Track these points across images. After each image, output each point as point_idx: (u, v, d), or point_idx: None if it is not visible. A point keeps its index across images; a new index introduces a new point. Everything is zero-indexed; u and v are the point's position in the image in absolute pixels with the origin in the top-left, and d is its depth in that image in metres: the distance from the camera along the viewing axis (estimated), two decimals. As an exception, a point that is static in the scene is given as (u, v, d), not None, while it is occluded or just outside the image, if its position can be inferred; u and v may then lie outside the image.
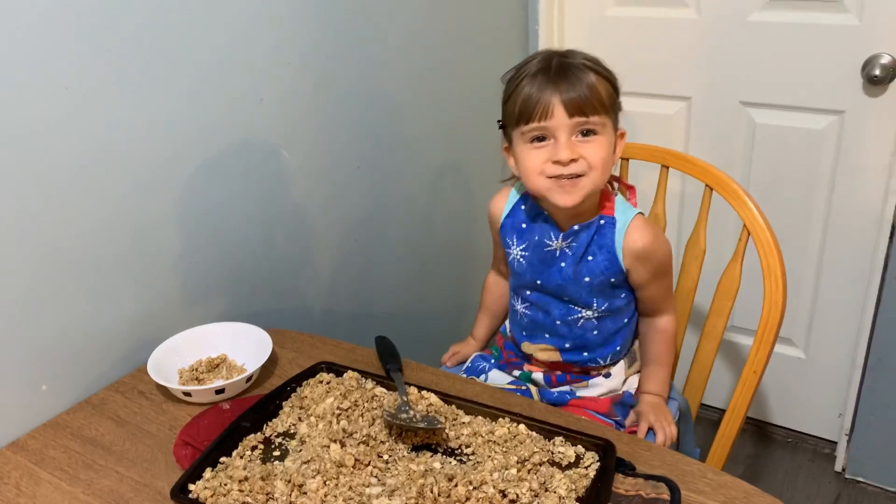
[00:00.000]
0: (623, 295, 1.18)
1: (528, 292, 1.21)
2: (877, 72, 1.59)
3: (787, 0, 1.67)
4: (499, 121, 1.13)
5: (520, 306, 1.23)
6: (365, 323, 1.62)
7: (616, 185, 1.21)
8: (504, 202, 1.23)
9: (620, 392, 1.22)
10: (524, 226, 1.19)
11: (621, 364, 1.22)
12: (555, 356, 1.21)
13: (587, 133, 1.05)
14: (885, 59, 1.59)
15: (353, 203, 1.55)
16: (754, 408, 2.06)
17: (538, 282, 1.18)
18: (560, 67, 1.05)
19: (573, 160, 1.03)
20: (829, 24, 1.64)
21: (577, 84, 1.03)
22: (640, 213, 1.15)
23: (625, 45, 1.88)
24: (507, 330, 1.31)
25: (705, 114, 1.86)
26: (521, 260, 1.19)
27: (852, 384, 1.84)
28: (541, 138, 1.06)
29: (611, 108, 1.07)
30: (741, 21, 1.73)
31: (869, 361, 1.80)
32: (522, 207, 1.20)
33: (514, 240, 1.20)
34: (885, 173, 1.67)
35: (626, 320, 1.20)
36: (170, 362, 1.12)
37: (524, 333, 1.24)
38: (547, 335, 1.20)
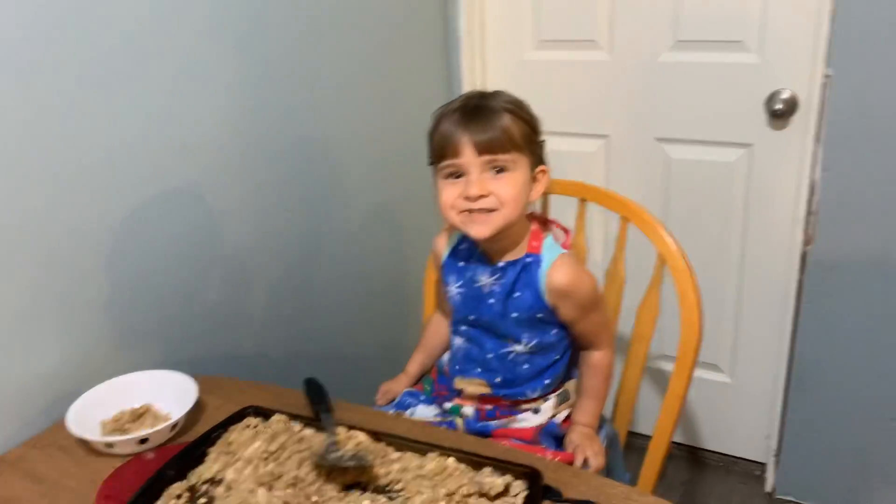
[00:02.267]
0: (554, 331, 1.20)
1: (463, 327, 1.23)
2: (778, 106, 1.69)
3: (692, 41, 1.76)
4: (430, 157, 1.16)
5: (457, 341, 1.25)
6: (299, 365, 1.61)
7: (551, 226, 1.24)
8: (445, 241, 1.27)
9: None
10: (462, 264, 1.22)
11: (551, 400, 1.24)
12: (485, 389, 1.22)
13: (500, 170, 1.09)
14: (786, 94, 1.69)
15: (285, 245, 1.55)
16: (687, 434, 2.10)
17: (472, 317, 1.21)
18: (474, 108, 1.10)
19: (483, 196, 1.07)
20: (732, 62, 1.74)
21: (488, 124, 1.07)
22: (568, 252, 1.19)
23: (545, 87, 1.95)
24: (444, 364, 1.33)
25: (623, 150, 1.93)
26: (458, 296, 1.22)
27: (777, 406, 1.91)
28: (456, 174, 1.10)
29: (525, 146, 1.11)
30: (651, 62, 1.82)
31: (791, 383, 1.87)
32: (461, 246, 1.24)
33: (453, 277, 1.23)
34: (794, 202, 1.76)
35: (557, 356, 1.23)
36: (91, 414, 1.09)
37: (458, 367, 1.25)
38: (479, 369, 1.22)
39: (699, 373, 1.98)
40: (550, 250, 1.17)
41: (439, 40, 1.93)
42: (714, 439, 2.08)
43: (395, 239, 1.91)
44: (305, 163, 1.57)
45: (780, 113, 1.70)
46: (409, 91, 1.86)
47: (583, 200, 1.39)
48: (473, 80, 1.99)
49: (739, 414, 2.01)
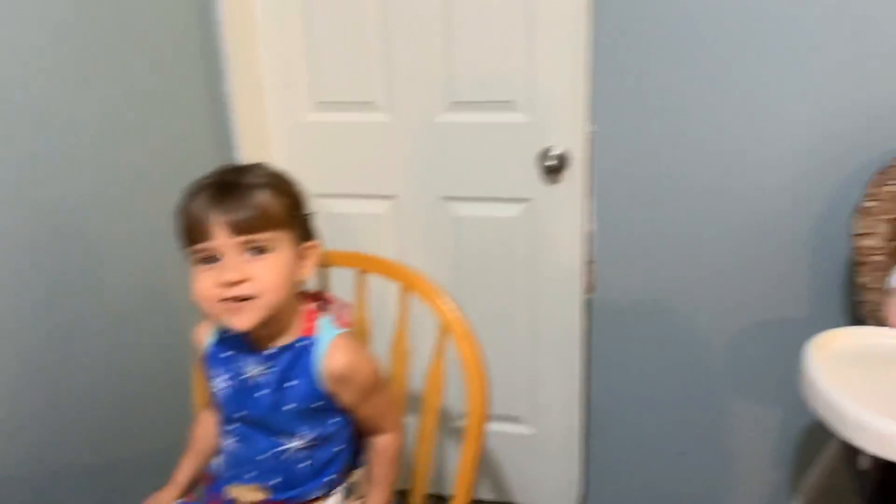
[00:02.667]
0: (334, 420, 1.12)
1: (233, 426, 1.12)
2: (551, 162, 1.74)
3: (466, 102, 1.78)
4: (180, 241, 1.04)
5: (227, 442, 1.13)
6: (52, 485, 1.39)
7: (327, 304, 1.16)
8: (208, 331, 1.14)
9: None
10: (228, 354, 1.11)
11: (338, 495, 1.15)
12: (262, 495, 1.11)
13: (259, 251, 1.00)
14: (557, 151, 1.75)
15: (30, 351, 1.34)
16: (495, 489, 2.09)
17: (241, 413, 1.10)
18: (227, 185, 1.00)
19: (240, 281, 0.98)
20: (505, 122, 1.78)
21: (242, 202, 0.98)
22: (346, 332, 1.11)
23: (328, 149, 1.89)
24: (215, 469, 1.19)
25: (412, 210, 1.91)
26: (224, 391, 1.10)
27: (578, 453, 1.94)
28: (210, 259, 0.99)
29: (287, 223, 1.03)
30: (429, 122, 1.82)
31: (589, 429, 1.91)
32: (226, 335, 1.12)
33: (219, 370, 1.11)
34: (574, 252, 1.81)
35: (340, 447, 1.14)
36: None
37: (230, 473, 1.13)
38: (254, 472, 1.11)
39: (501, 427, 1.98)
40: (326, 331, 1.10)
41: (205, 101, 1.80)
42: (522, 491, 2.08)
43: (168, 326, 1.72)
44: (50, 236, 1.37)
45: (553, 168, 1.75)
46: (183, 160, 1.72)
47: (362, 272, 1.33)
48: (253, 144, 1.89)
49: (544, 464, 2.02)
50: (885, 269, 1.40)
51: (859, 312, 1.44)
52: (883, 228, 1.41)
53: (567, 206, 1.80)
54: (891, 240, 1.41)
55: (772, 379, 1.75)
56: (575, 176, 1.77)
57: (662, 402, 1.85)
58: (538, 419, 2.00)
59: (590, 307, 1.83)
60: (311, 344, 1.08)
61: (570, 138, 1.75)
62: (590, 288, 1.82)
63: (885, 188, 1.42)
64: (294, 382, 1.08)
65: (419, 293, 1.25)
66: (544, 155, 1.76)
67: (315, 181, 1.88)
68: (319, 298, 1.16)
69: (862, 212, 1.43)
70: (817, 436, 1.75)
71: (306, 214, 1.10)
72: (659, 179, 1.69)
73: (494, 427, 2.01)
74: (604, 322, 1.84)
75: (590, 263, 1.80)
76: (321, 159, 1.88)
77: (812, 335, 1.25)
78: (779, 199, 1.63)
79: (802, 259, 1.65)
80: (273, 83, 1.90)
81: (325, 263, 1.34)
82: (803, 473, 1.80)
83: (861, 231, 1.42)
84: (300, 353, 1.08)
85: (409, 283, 1.27)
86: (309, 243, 1.09)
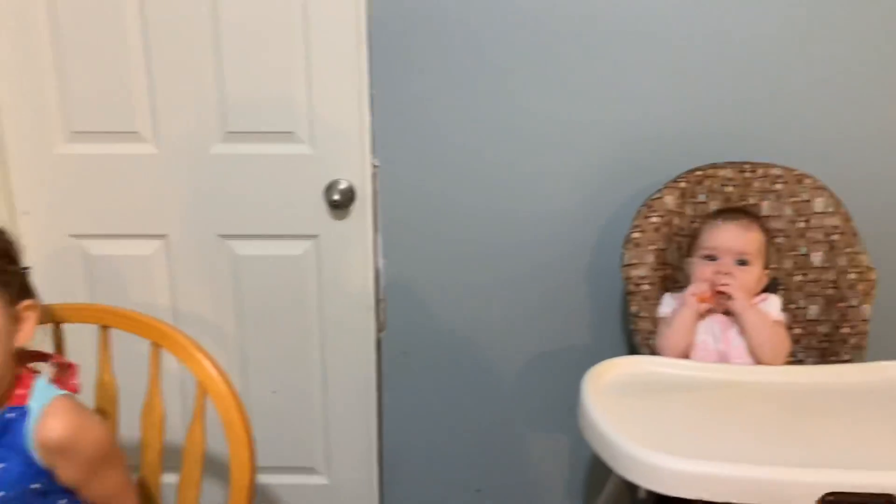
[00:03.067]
0: (64, 501, 0.95)
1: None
2: (336, 197, 1.65)
3: (242, 133, 1.66)
4: None
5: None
6: None
7: (45, 364, 0.99)
8: None
9: None
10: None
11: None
12: None
13: None
14: (343, 185, 1.67)
15: None
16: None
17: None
18: None
19: None
20: (287, 154, 1.67)
21: None
22: (66, 395, 0.95)
23: (85, 184, 1.68)
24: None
25: (185, 250, 1.74)
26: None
27: (375, 498, 1.85)
28: None
29: None
30: (203, 154, 1.67)
31: (384, 472, 1.83)
32: None
33: None
34: (363, 290, 1.73)
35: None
36: None
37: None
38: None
39: (295, 479, 1.86)
40: (42, 396, 0.93)
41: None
42: (322, 545, 1.95)
43: None
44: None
45: (339, 203, 1.66)
46: None
47: (104, 327, 1.16)
48: (-7, 179, 1.64)
49: (342, 513, 1.91)
50: (654, 299, 1.44)
51: (634, 341, 1.47)
52: (650, 259, 1.45)
53: (355, 242, 1.72)
54: (657, 269, 1.46)
55: (561, 409, 1.76)
56: (362, 211, 1.70)
57: (457, 441, 1.81)
58: (333, 467, 1.89)
59: (380, 347, 1.76)
60: (23, 414, 0.91)
61: (356, 171, 1.68)
62: (381, 327, 1.75)
63: (650, 220, 1.46)
64: (4, 463, 0.90)
65: (172, 349, 1.11)
66: (330, 189, 1.67)
67: (70, 220, 1.68)
68: (37, 357, 0.98)
69: (630, 242, 1.46)
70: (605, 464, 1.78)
71: (20, 270, 0.93)
72: (442, 213, 1.66)
73: (287, 479, 1.88)
74: (395, 362, 1.78)
75: (379, 302, 1.73)
76: (77, 195, 1.67)
77: (594, 364, 1.25)
78: (562, 231, 1.66)
79: (584, 289, 1.68)
80: (17, 112, 1.66)
81: (58, 320, 1.16)
82: (594, 503, 1.83)
83: (630, 261, 1.46)
84: (8, 428, 0.90)
85: (160, 338, 1.12)
86: (25, 303, 0.92)
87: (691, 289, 1.34)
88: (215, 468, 1.64)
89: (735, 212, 1.43)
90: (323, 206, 1.70)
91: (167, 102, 1.65)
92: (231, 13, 1.58)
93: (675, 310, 1.36)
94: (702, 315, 1.36)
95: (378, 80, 1.59)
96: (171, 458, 1.19)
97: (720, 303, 1.34)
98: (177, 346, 1.11)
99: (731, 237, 1.36)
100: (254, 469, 1.08)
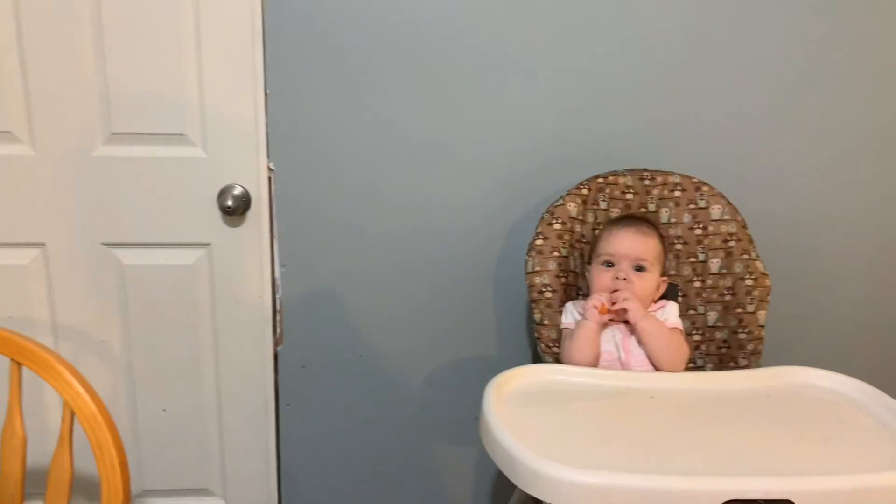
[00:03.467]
0: None
1: None
2: (230, 202, 1.57)
3: (128, 134, 1.56)
4: None
5: None
6: None
7: None
8: None
9: None
10: None
11: None
12: None
13: None
14: (237, 190, 1.58)
15: None
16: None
17: None
18: None
19: None
20: (178, 157, 1.58)
21: None
22: None
23: (-50, 189, 1.54)
24: None
25: (65, 260, 1.62)
26: None
27: (273, 520, 1.76)
28: None
29: None
30: (85, 157, 1.56)
31: (283, 497, 1.74)
32: None
33: None
34: (260, 302, 1.65)
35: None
36: None
37: None
38: None
39: (189, 501, 1.76)
40: None
41: None
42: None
43: None
44: None
45: (233, 209, 1.58)
46: None
47: (-44, 343, 1.04)
48: None
49: (238, 538, 1.81)
50: (557, 306, 1.42)
51: (538, 349, 1.45)
52: (553, 266, 1.43)
53: (251, 251, 1.64)
54: (559, 277, 1.44)
55: (467, 421, 1.72)
56: (257, 218, 1.62)
57: (360, 457, 1.75)
58: (229, 490, 1.79)
59: (277, 361, 1.68)
60: None
61: (251, 177, 1.60)
62: (278, 340, 1.67)
63: (553, 227, 1.45)
64: None
65: (33, 366, 1.01)
66: (223, 194, 1.59)
67: (-70, 228, 1.54)
68: None
69: (533, 250, 1.44)
70: (512, 473, 1.75)
71: None
72: (341, 220, 1.60)
73: (181, 502, 1.77)
74: (293, 376, 1.70)
75: (276, 313, 1.65)
76: (-60, 200, 1.53)
77: (499, 373, 1.22)
78: (466, 239, 1.62)
79: (489, 298, 1.65)
80: None
81: None
82: (502, 513, 1.80)
83: (533, 269, 1.43)
84: None
85: (17, 354, 1.01)
86: None
87: (592, 300, 1.33)
88: (91, 494, 1.53)
89: (633, 219, 1.43)
90: (216, 213, 1.61)
91: (43, 100, 1.53)
92: (115, 3, 1.48)
93: (577, 322, 1.35)
94: (605, 325, 1.35)
95: (274, 80, 1.52)
96: (36, 483, 1.08)
97: (620, 314, 1.33)
98: (38, 362, 1.01)
99: (628, 243, 1.36)
100: (128, 494, 0.98)
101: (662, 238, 1.43)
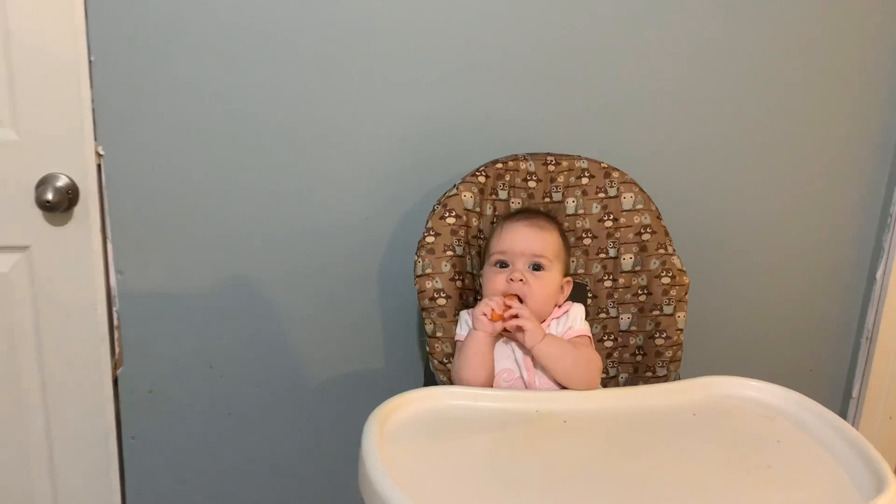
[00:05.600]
0: None
1: None
2: (50, 196, 1.27)
3: (-89, 111, 1.22)
4: None
5: None
6: None
7: None
8: None
9: None
10: None
11: None
12: None
13: None
14: (61, 181, 1.29)
15: None
16: None
17: None
18: None
19: None
20: (-19, 140, 1.26)
21: None
22: None
23: None
24: None
25: None
26: None
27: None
28: None
29: None
30: None
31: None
32: None
33: None
34: (94, 316, 1.36)
35: None
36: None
37: None
38: None
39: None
40: None
41: None
42: None
43: None
44: None
45: (56, 204, 1.28)
46: None
47: None
48: None
49: None
50: (451, 316, 1.21)
51: (430, 366, 1.23)
52: (446, 267, 1.22)
53: (80, 254, 1.35)
54: (454, 280, 1.23)
55: (346, 450, 1.49)
56: (86, 214, 1.33)
57: (222, 498, 1.49)
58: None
59: (118, 385, 1.39)
60: None
61: (76, 163, 1.31)
62: (118, 362, 1.38)
63: (446, 220, 1.23)
64: None
65: None
66: (43, 186, 1.29)
67: None
68: None
69: (423, 249, 1.23)
70: None
71: None
72: (190, 216, 1.34)
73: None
74: (138, 403, 1.43)
75: (114, 330, 1.37)
76: None
77: (390, 392, 1.03)
78: (344, 237, 1.40)
79: (375, 304, 1.43)
80: None
81: None
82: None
83: (423, 271, 1.22)
84: None
85: None
86: None
87: (480, 307, 1.12)
88: None
89: (528, 212, 1.25)
90: (34, 209, 1.31)
91: None
92: None
93: (467, 333, 1.14)
94: (501, 335, 1.15)
95: (99, 44, 1.23)
96: None
97: (515, 326, 1.12)
98: None
99: (522, 239, 1.16)
100: None
101: (564, 232, 1.25)
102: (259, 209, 1.35)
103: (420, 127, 1.36)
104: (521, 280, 1.14)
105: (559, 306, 1.20)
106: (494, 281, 1.15)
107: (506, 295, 1.12)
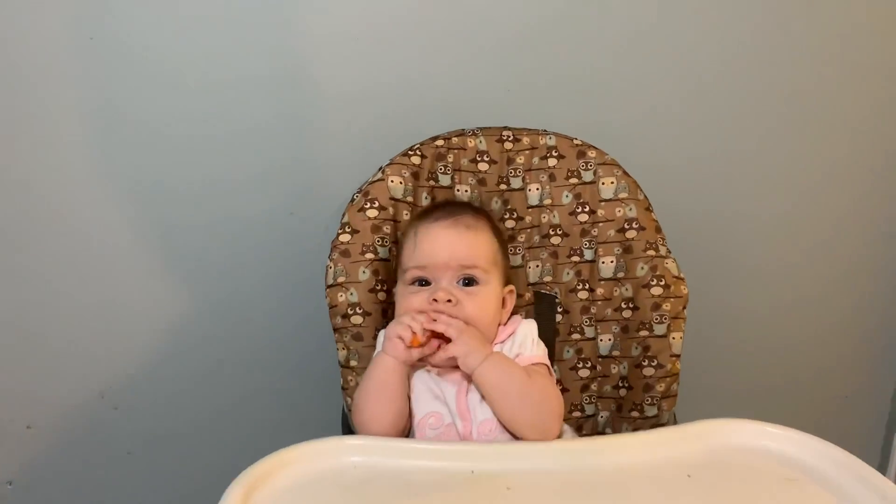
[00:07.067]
0: None
1: None
2: None
3: None
4: None
5: None
6: None
7: None
8: None
9: None
10: None
11: None
12: None
13: None
14: None
15: None
16: None
17: None
18: None
19: None
20: None
21: None
22: None
23: None
24: None
25: None
26: None
27: None
28: None
29: None
30: None
31: None
32: None
33: None
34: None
35: None
36: None
37: None
38: None
39: None
40: None
41: None
42: None
43: None
44: None
45: None
46: None
47: None
48: None
49: None
50: (369, 339, 0.92)
51: (344, 405, 0.94)
52: (364, 275, 0.93)
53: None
54: (375, 290, 0.94)
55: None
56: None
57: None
58: None
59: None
60: None
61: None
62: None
63: (366, 214, 0.95)
64: None
65: None
66: None
67: None
68: None
69: (336, 251, 0.94)
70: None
71: None
72: (55, 208, 1.07)
73: None
74: (15, 444, 1.19)
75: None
76: None
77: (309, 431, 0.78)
78: (245, 235, 1.13)
79: (285, 320, 1.15)
80: None
81: None
82: None
83: (335, 280, 0.93)
84: None
85: None
86: None
87: (394, 326, 0.83)
88: None
89: (447, 207, 0.94)
90: None
91: None
92: None
93: (373, 358, 0.86)
94: (425, 364, 0.86)
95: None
96: None
97: (443, 350, 0.83)
98: None
99: (446, 245, 0.87)
100: None
101: (496, 226, 0.96)
102: (141, 200, 1.09)
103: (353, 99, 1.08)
104: (450, 300, 0.84)
105: (503, 324, 0.91)
106: (411, 302, 0.86)
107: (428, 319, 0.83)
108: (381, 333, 0.90)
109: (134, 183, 1.09)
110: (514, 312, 0.96)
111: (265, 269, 1.15)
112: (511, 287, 0.93)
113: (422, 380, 0.86)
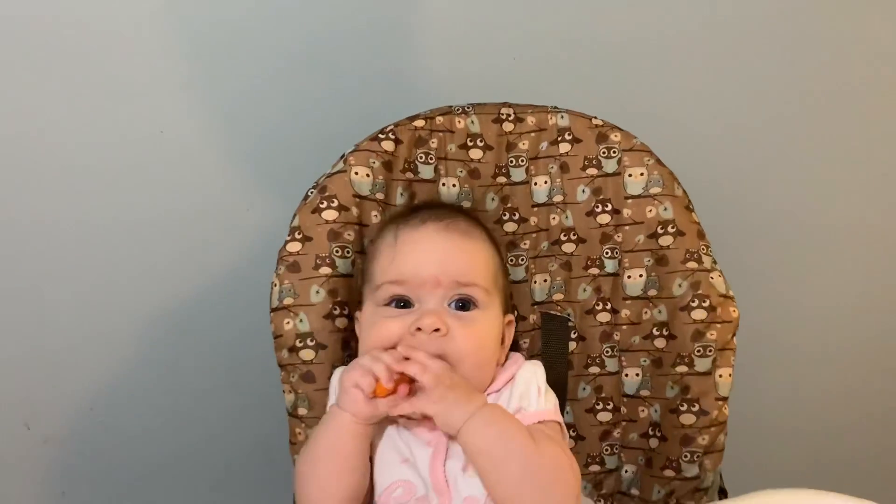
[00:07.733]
0: None
1: None
2: None
3: None
4: None
5: None
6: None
7: None
8: None
9: None
10: None
11: None
12: None
13: None
14: None
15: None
16: None
17: None
18: None
19: None
20: None
21: None
22: None
23: None
24: None
25: None
26: None
27: None
28: None
29: None
30: None
31: None
32: None
33: None
34: None
35: None
36: None
37: None
38: None
39: None
40: None
41: None
42: None
43: None
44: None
45: None
46: None
47: None
48: None
49: None
50: (323, 381, 0.72)
51: (293, 461, 0.74)
52: (318, 296, 0.72)
53: None
54: (332, 316, 0.73)
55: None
56: None
57: None
58: None
59: None
60: None
61: None
62: None
63: (322, 216, 0.74)
64: None
65: None
66: None
67: None
68: None
69: (282, 264, 0.73)
70: None
71: None
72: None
73: None
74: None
75: None
76: None
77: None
78: (184, 236, 0.93)
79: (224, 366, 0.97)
80: None
81: None
82: None
83: (281, 303, 0.72)
84: None
85: None
86: None
87: (354, 373, 0.62)
88: None
89: (435, 208, 0.73)
90: None
91: None
92: None
93: (327, 412, 0.65)
94: (388, 421, 0.64)
95: None
96: None
97: (409, 402, 0.62)
98: None
99: (436, 254, 0.67)
100: None
101: (494, 239, 0.74)
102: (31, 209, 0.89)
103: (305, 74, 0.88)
104: (438, 329, 0.63)
105: (500, 365, 0.69)
106: (383, 332, 0.65)
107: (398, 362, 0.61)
108: (336, 374, 0.69)
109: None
110: (513, 343, 0.75)
111: (221, 279, 0.95)
112: (511, 318, 0.73)
113: (388, 435, 0.65)
